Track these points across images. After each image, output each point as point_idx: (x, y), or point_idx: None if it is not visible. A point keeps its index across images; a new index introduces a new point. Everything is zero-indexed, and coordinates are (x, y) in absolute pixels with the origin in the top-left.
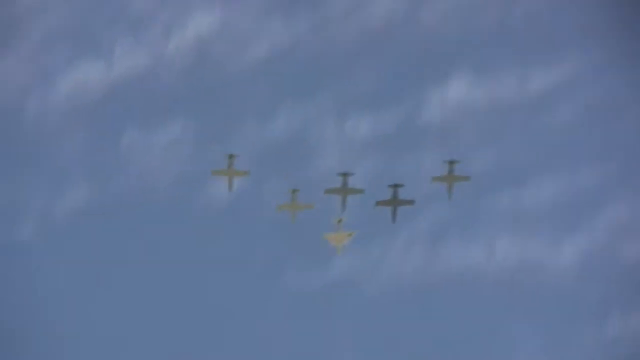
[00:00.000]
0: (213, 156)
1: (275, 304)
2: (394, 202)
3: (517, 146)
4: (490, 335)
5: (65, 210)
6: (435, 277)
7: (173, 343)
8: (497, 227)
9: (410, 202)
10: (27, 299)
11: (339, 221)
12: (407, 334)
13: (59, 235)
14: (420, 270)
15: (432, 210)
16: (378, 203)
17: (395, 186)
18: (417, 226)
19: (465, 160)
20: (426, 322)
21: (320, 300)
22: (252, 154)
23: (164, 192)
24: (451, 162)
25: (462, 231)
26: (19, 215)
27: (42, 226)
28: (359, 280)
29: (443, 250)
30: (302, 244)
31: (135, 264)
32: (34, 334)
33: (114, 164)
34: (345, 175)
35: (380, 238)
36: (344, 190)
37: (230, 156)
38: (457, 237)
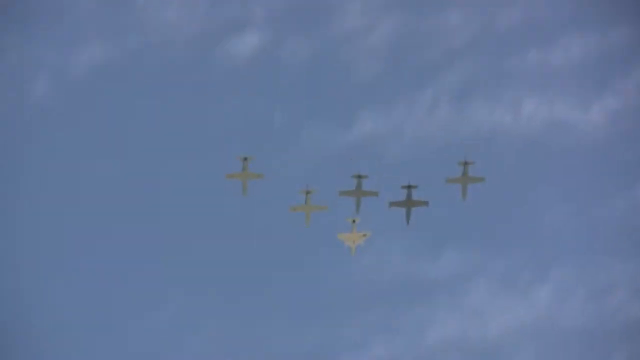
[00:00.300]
0: (230, 12)
1: (295, 162)
2: (408, 202)
3: (545, 3)
4: (518, 198)
5: (81, 67)
6: (460, 138)
7: (189, 199)
8: (524, 86)
9: (425, 202)
10: (43, 154)
11: (354, 221)
12: (431, 196)
13: (74, 93)
14: (445, 130)
15: (457, 69)
16: (392, 204)
17: (409, 187)
18: (442, 85)
19: (490, 17)
20: (450, 183)
21: (342, 160)
22: (272, 10)
23: (180, 48)
24: (465, 163)
25: (488, 90)
26: (34, 72)
27: (57, 84)
28: (382, 140)
29: (468, 111)
30: (324, 100)
31: (152, 120)
32: (49, 184)
33: (130, 19)
34: (359, 177)
35: (405, 96)
36: (358, 192)
37: (245, 159)
38: (482, 97)
